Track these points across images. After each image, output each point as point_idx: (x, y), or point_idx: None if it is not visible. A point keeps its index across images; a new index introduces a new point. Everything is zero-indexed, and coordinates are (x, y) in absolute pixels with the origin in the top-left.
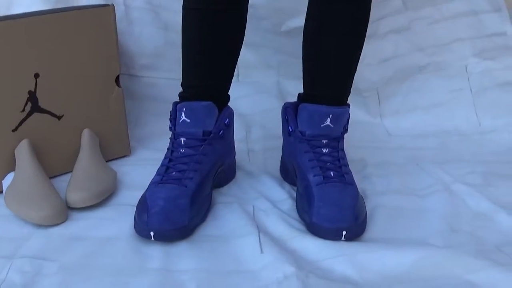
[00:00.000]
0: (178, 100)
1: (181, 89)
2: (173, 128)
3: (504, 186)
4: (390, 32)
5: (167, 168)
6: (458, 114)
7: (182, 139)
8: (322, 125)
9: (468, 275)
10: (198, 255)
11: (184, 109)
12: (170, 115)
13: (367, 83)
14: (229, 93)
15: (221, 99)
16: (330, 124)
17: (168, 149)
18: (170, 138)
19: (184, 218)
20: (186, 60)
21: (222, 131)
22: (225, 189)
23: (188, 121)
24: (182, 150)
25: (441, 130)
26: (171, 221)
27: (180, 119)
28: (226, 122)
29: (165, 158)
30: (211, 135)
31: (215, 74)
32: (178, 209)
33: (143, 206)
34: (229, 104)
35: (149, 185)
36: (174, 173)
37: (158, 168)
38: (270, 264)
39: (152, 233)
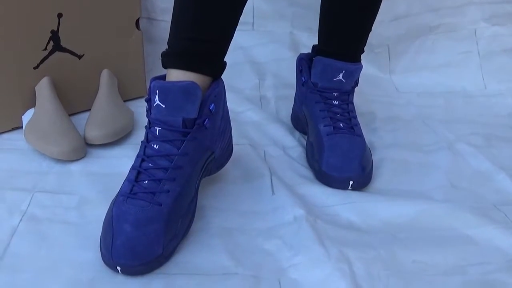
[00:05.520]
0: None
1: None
2: (149, 112)
3: (505, 149)
4: None
5: (138, 173)
6: (465, 76)
7: (157, 129)
8: (334, 79)
9: (466, 230)
10: (213, 194)
11: (157, 91)
12: (147, 95)
13: (379, 38)
14: (241, 43)
15: (214, 66)
16: (342, 79)
17: (141, 142)
18: (145, 126)
19: (157, 248)
20: (178, 7)
21: (206, 119)
22: (238, 131)
23: (163, 106)
24: (156, 146)
25: (448, 90)
26: (139, 255)
27: (154, 102)
28: (211, 107)
29: (137, 156)
30: (195, 126)
31: (211, 24)
32: (148, 239)
33: (108, 229)
34: (242, 52)
35: (117, 195)
36: (146, 182)
37: (129, 171)
38: (281, 206)
39: (119, 268)
